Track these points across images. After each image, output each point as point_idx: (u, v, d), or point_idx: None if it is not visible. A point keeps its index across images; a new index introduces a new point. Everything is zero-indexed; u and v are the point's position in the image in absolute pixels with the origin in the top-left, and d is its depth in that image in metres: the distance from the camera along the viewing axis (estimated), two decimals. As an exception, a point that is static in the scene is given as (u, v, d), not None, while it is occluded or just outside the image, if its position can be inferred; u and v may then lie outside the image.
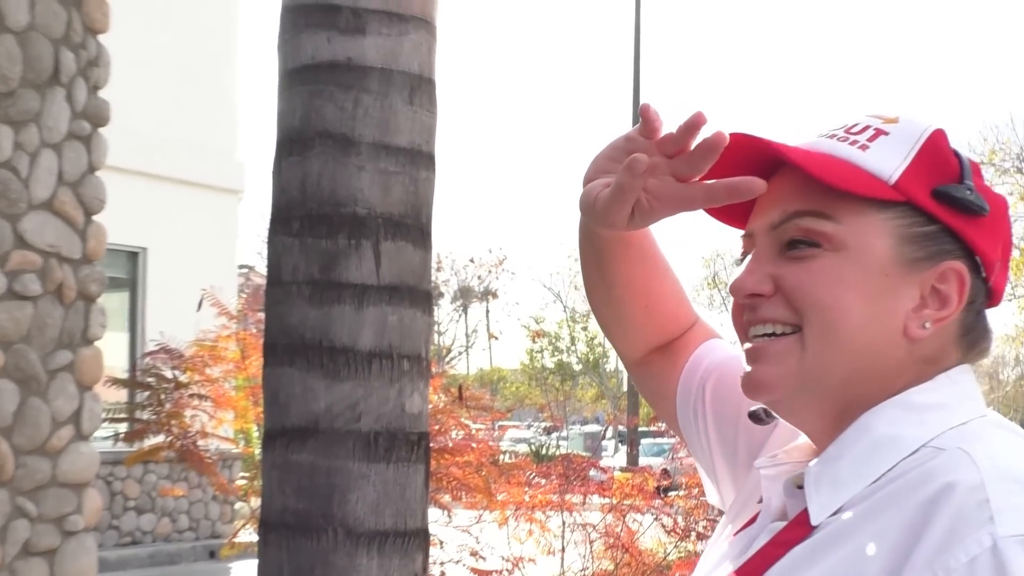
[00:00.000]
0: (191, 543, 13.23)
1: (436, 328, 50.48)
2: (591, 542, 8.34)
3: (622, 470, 11.12)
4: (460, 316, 52.43)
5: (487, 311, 52.92)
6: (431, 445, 7.22)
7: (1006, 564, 0.95)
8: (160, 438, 7.49)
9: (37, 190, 6.29)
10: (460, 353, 52.12)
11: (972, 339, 1.19)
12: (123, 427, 8.43)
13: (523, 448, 24.95)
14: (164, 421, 7.39)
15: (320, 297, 3.40)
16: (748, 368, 1.20)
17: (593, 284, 1.47)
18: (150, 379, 7.66)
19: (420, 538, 3.48)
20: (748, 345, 1.20)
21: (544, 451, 25.54)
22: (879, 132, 1.17)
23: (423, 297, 3.53)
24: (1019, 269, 29.35)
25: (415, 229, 3.49)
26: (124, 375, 10.78)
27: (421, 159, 3.52)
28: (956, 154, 1.18)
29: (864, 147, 1.16)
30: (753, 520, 1.25)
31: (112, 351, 13.09)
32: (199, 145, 13.28)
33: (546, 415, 20.58)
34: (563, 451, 19.08)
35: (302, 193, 3.45)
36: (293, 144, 3.49)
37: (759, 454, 1.33)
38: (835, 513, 1.11)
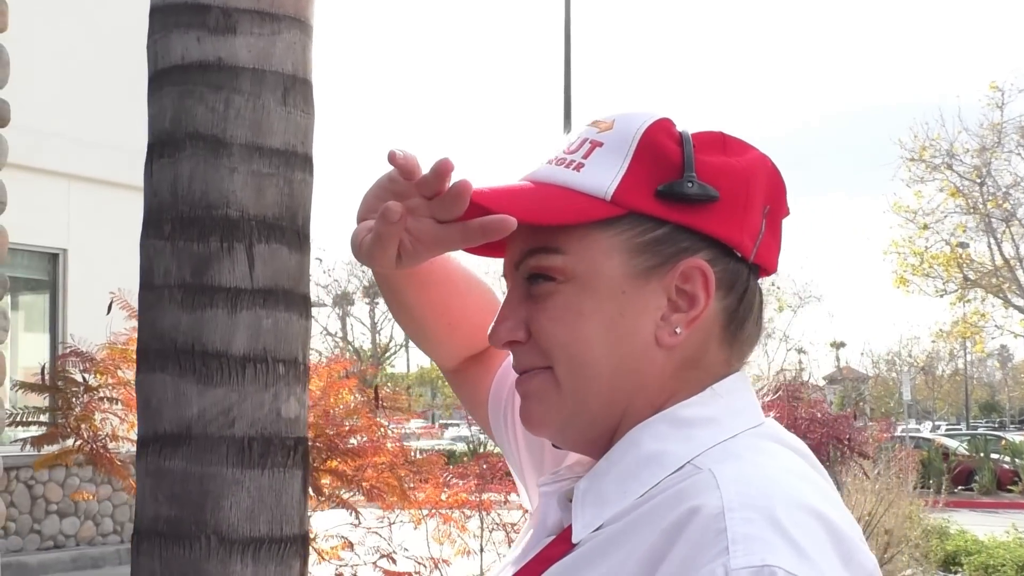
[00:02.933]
0: (115, 546, 13.07)
1: (375, 326, 50.47)
2: (511, 542, 8.32)
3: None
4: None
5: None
6: (346, 447, 7.21)
7: None
8: (71, 441, 7.38)
9: (-65, 192, 6.19)
10: (397, 350, 51.94)
11: (735, 327, 1.17)
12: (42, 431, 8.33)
13: (461, 447, 24.97)
14: (74, 424, 7.28)
15: (192, 301, 3.35)
16: (521, 405, 1.20)
17: (393, 310, 1.47)
18: (60, 382, 7.54)
19: (298, 544, 3.42)
20: (518, 384, 1.21)
21: (483, 449, 25.60)
22: (594, 145, 1.15)
23: (300, 300, 3.48)
24: (948, 266, 29.65)
25: (290, 231, 3.44)
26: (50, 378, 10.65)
27: (296, 160, 3.47)
28: (682, 141, 1.13)
29: (579, 166, 1.14)
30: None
31: (34, 352, 12.95)
32: (119, 146, 13.10)
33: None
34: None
35: (173, 196, 3.39)
36: (164, 146, 3.43)
37: (563, 461, 1.33)
38: (597, 530, 1.09)
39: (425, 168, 1.11)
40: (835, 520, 1.01)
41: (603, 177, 1.12)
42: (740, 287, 1.16)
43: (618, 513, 1.09)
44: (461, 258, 1.42)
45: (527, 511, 1.49)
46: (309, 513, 7.30)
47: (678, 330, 1.12)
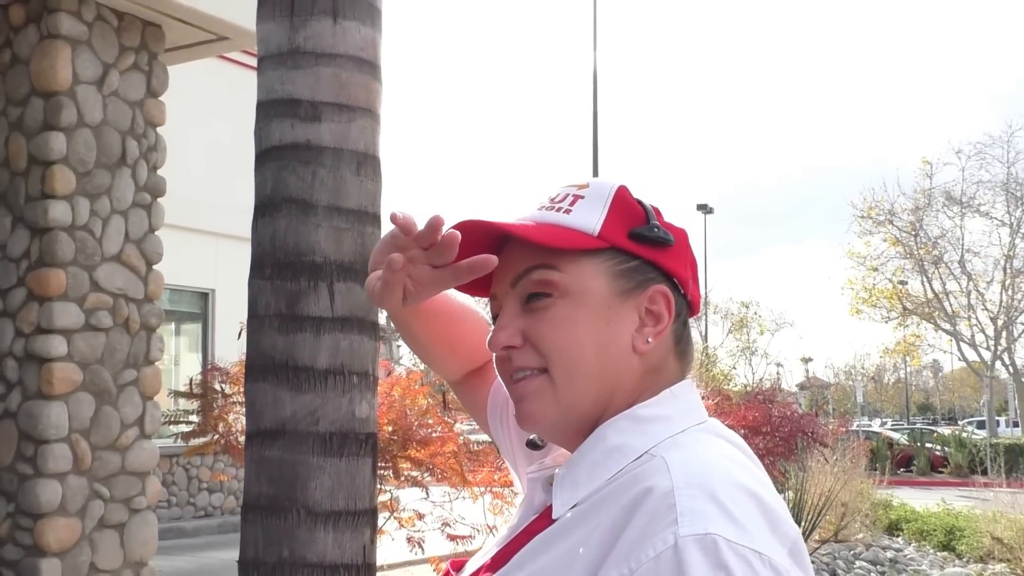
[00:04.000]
0: (251, 515, 13.08)
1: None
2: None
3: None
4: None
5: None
6: (418, 438, 7.11)
7: (683, 560, 0.87)
8: (211, 436, 7.37)
9: (108, 246, 6.20)
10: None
11: (683, 346, 1.14)
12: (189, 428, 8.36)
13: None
14: (213, 423, 7.26)
15: (287, 327, 3.27)
16: (516, 406, 1.12)
17: (405, 339, 1.41)
18: (205, 392, 7.53)
19: (368, 516, 3.32)
20: (512, 388, 1.12)
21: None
22: (576, 197, 1.12)
23: (370, 326, 3.39)
24: (891, 298, 29.31)
25: (363, 273, 3.36)
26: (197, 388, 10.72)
27: (367, 218, 3.39)
28: (640, 203, 1.12)
29: (567, 211, 1.10)
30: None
31: (189, 368, 13.00)
32: (251, 209, 13.20)
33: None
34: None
35: (272, 246, 3.33)
36: (265, 208, 3.38)
37: (549, 454, 1.24)
38: (572, 508, 1.03)
39: (420, 225, 1.07)
40: (764, 496, 0.95)
41: (589, 219, 1.09)
42: (684, 317, 1.14)
43: (589, 494, 1.02)
44: (456, 293, 1.36)
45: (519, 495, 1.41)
46: (392, 489, 7.22)
47: (649, 340, 1.09)
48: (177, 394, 7.74)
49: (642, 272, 1.10)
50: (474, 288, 1.19)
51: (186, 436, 7.34)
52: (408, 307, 1.16)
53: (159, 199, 6.63)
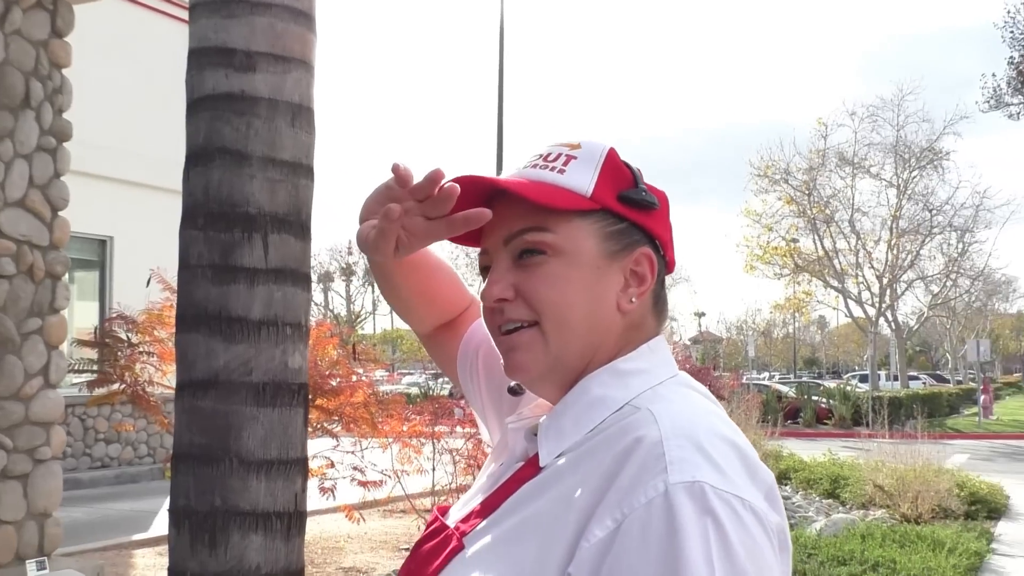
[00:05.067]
0: (148, 466, 12.91)
1: (350, 298, 50.12)
2: (455, 463, 8.32)
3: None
4: (367, 288, 51.84)
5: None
6: (329, 388, 7.14)
7: (673, 505, 0.94)
8: (116, 385, 7.25)
9: (12, 191, 6.02)
10: (367, 316, 51.40)
11: (660, 305, 1.19)
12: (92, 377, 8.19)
13: (415, 390, 24.88)
14: (119, 373, 7.15)
15: (220, 278, 3.28)
16: (505, 357, 1.16)
17: (384, 291, 1.44)
18: (108, 340, 7.40)
19: (300, 465, 3.37)
20: (501, 339, 1.16)
21: (433, 393, 25.48)
22: (569, 157, 1.15)
23: (303, 278, 3.42)
24: (784, 256, 30.12)
25: (296, 225, 3.38)
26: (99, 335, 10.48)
27: (301, 170, 3.40)
28: (627, 165, 1.16)
29: (561, 171, 1.14)
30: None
31: (86, 317, 12.70)
32: (155, 156, 12.84)
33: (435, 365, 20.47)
34: (446, 393, 18.95)
35: (206, 196, 3.32)
36: (198, 158, 3.36)
37: (519, 405, 1.30)
38: (558, 457, 1.09)
39: (417, 177, 1.10)
40: (741, 445, 1.02)
41: (582, 180, 1.12)
42: (662, 276, 1.18)
43: (575, 444, 1.08)
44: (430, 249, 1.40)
45: (485, 444, 1.47)
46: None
47: (633, 299, 1.13)
48: (80, 343, 7.59)
49: (629, 234, 1.13)
50: (462, 239, 1.22)
51: (91, 385, 7.21)
52: (399, 258, 1.19)
53: (64, 143, 6.46)
